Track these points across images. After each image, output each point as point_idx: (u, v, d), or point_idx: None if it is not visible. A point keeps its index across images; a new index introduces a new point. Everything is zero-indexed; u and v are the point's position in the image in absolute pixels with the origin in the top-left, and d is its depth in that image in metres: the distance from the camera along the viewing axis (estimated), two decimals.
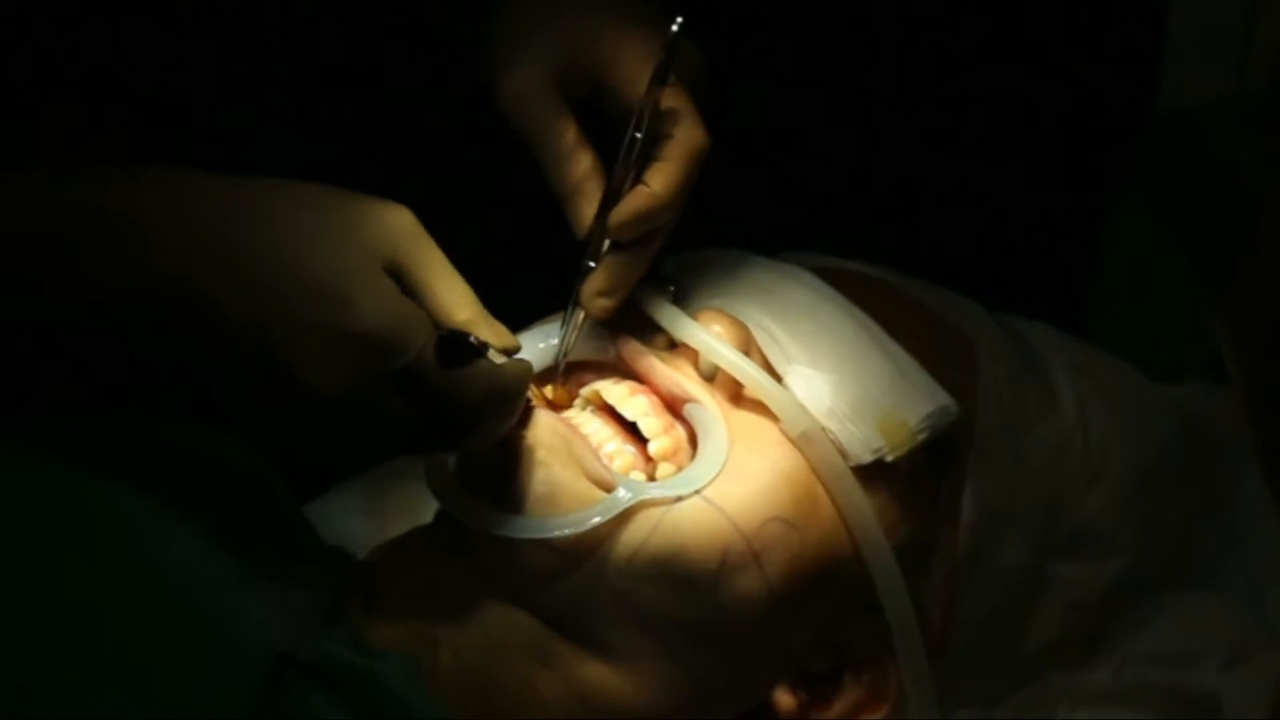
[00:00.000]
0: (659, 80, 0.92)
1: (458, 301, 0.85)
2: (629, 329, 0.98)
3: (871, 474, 0.95)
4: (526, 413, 0.93)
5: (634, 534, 0.90)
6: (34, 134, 1.02)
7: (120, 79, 1.05)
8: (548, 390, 0.98)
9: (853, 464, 0.94)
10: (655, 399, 0.96)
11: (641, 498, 0.91)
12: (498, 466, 0.92)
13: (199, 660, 0.87)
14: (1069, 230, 1.34)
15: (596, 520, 0.90)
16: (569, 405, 0.98)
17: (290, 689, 0.89)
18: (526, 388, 0.90)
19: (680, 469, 0.94)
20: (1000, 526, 1.00)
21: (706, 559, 0.90)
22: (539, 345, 0.97)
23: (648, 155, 0.93)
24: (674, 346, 0.99)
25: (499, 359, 0.87)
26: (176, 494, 0.91)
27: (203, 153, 0.90)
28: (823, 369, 0.96)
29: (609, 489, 0.91)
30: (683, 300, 1.00)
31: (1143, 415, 1.08)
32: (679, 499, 0.91)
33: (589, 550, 0.90)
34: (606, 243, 0.95)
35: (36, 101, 1.03)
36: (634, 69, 0.94)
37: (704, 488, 0.91)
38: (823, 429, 0.94)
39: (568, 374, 0.98)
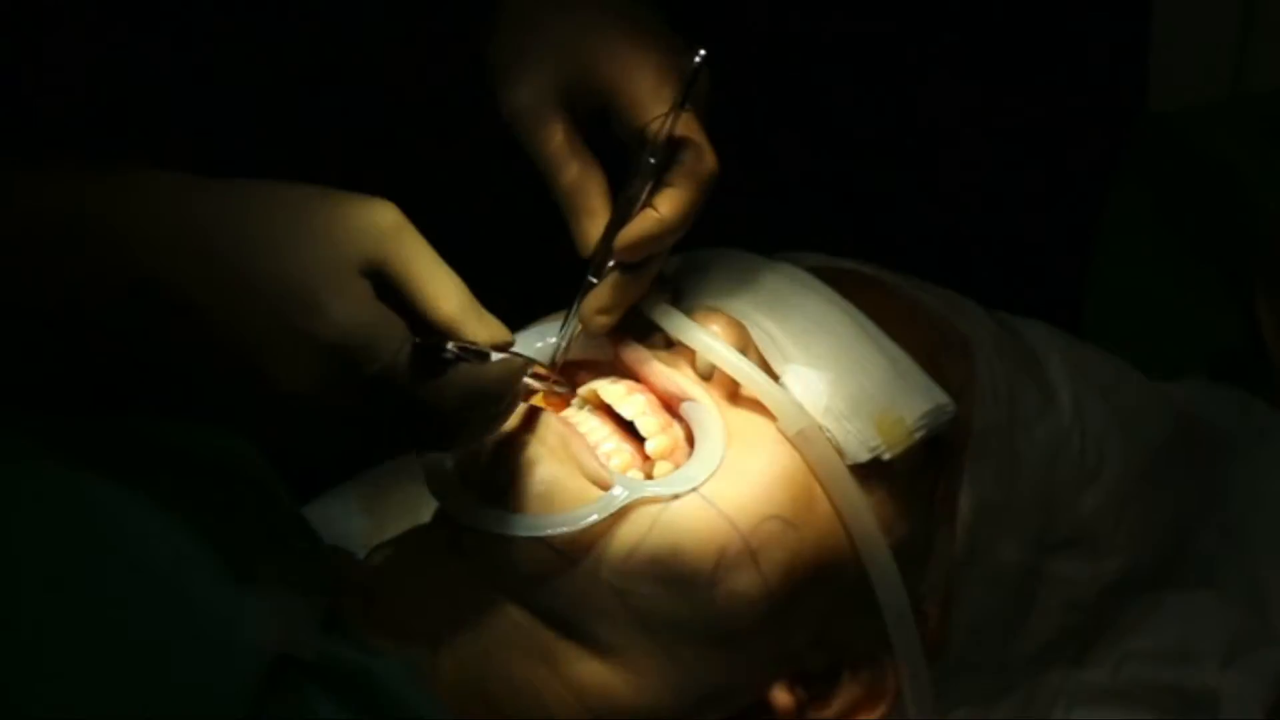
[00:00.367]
0: (676, 108, 0.93)
1: (445, 295, 0.84)
2: (627, 328, 0.98)
3: (869, 473, 0.95)
4: (525, 412, 0.93)
5: (631, 532, 0.90)
6: (17, 134, 1.02)
7: (104, 80, 1.05)
8: (544, 390, 0.98)
9: (850, 462, 0.94)
10: (653, 398, 0.96)
11: (638, 496, 0.91)
12: (495, 465, 0.92)
13: (197, 660, 0.87)
14: (1066, 229, 1.34)
15: (593, 518, 0.90)
16: (566, 404, 0.98)
17: (289, 689, 0.89)
18: (513, 386, 0.89)
19: (678, 467, 0.94)
20: (997, 524, 1.00)
21: (703, 557, 0.90)
22: (536, 344, 0.97)
23: (658, 179, 0.93)
24: (671, 345, 0.99)
25: (493, 355, 0.86)
26: (175, 494, 0.91)
27: (198, 155, 0.90)
28: (820, 368, 0.96)
29: (606, 487, 0.91)
30: (680, 299, 1.00)
31: (1140, 413, 1.08)
32: (676, 497, 0.91)
33: (586, 548, 0.91)
34: (610, 261, 0.95)
35: (19, 101, 1.03)
36: (644, 91, 0.94)
37: (701, 486, 0.91)
38: (820, 428, 0.94)
39: (565, 373, 0.98)
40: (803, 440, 0.94)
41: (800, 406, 0.94)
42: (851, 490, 0.94)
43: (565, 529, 0.90)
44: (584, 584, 0.91)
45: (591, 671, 0.92)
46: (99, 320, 0.86)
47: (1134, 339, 1.23)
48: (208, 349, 0.84)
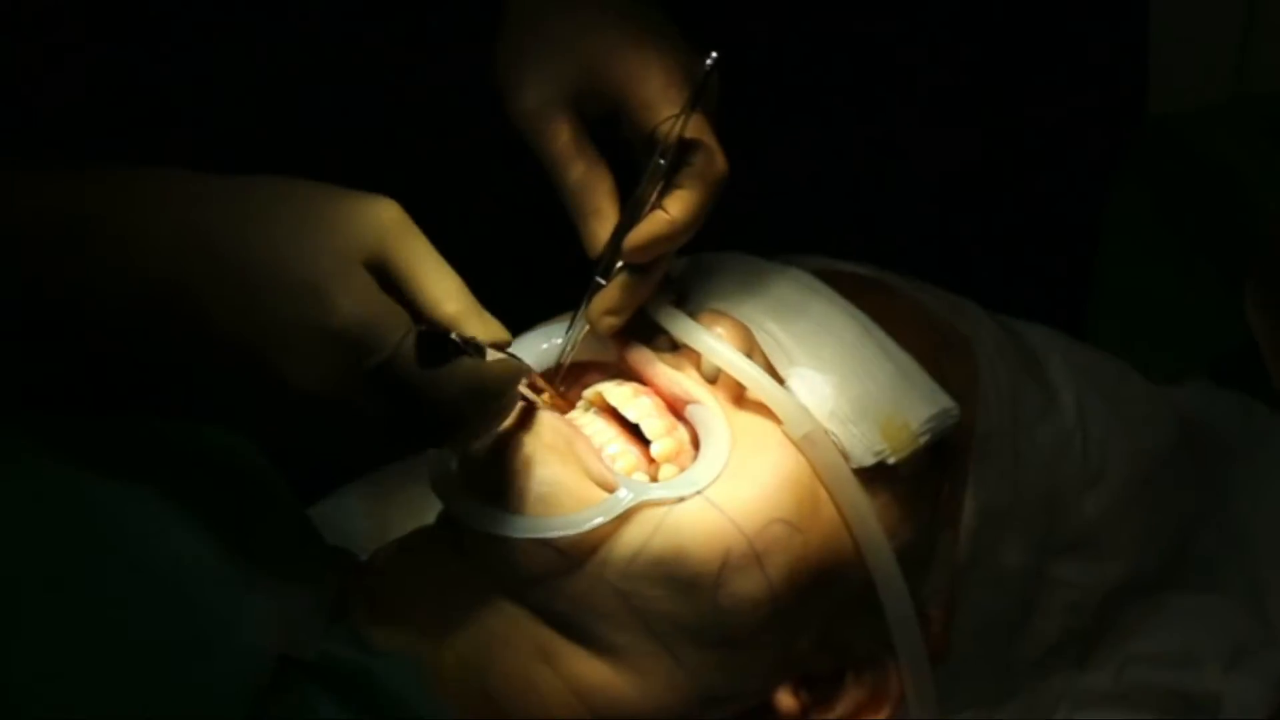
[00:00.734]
0: (688, 110, 0.93)
1: (445, 294, 0.84)
2: (632, 331, 0.98)
3: (873, 476, 0.95)
4: (529, 413, 0.93)
5: (635, 534, 0.90)
6: (17, 134, 1.02)
7: (104, 80, 1.05)
8: (548, 393, 0.98)
9: (855, 466, 0.94)
10: (658, 400, 0.96)
11: (643, 498, 0.91)
12: (499, 466, 0.92)
13: (200, 661, 0.87)
14: (1067, 230, 1.34)
15: (598, 520, 0.90)
16: (571, 406, 0.98)
17: (292, 689, 0.89)
18: (513, 385, 0.89)
19: (682, 470, 0.93)
20: (1001, 528, 1.00)
21: (708, 560, 0.90)
22: (542, 346, 0.97)
23: (667, 181, 0.93)
24: (677, 348, 0.99)
25: (491, 355, 0.86)
26: (177, 493, 0.91)
27: (198, 155, 0.90)
28: (825, 371, 0.96)
29: (611, 489, 0.91)
30: (685, 302, 1.00)
31: (1142, 416, 1.08)
32: (681, 500, 0.91)
33: (590, 550, 0.90)
34: (618, 262, 0.95)
35: (19, 101, 1.03)
36: (653, 93, 0.94)
37: (706, 488, 0.91)
38: (825, 431, 0.94)
39: (570, 375, 0.98)
40: (808, 444, 0.94)
41: (805, 410, 0.94)
42: (856, 494, 0.94)
43: (569, 531, 0.90)
44: (588, 586, 0.91)
45: (594, 672, 0.92)
46: (100, 320, 0.85)
47: (1135, 341, 1.23)
48: (213, 346, 0.84)
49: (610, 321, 0.95)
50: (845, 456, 0.94)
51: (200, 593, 0.89)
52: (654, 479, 0.94)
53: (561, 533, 0.90)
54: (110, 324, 0.86)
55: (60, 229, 0.84)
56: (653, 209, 0.93)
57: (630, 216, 0.94)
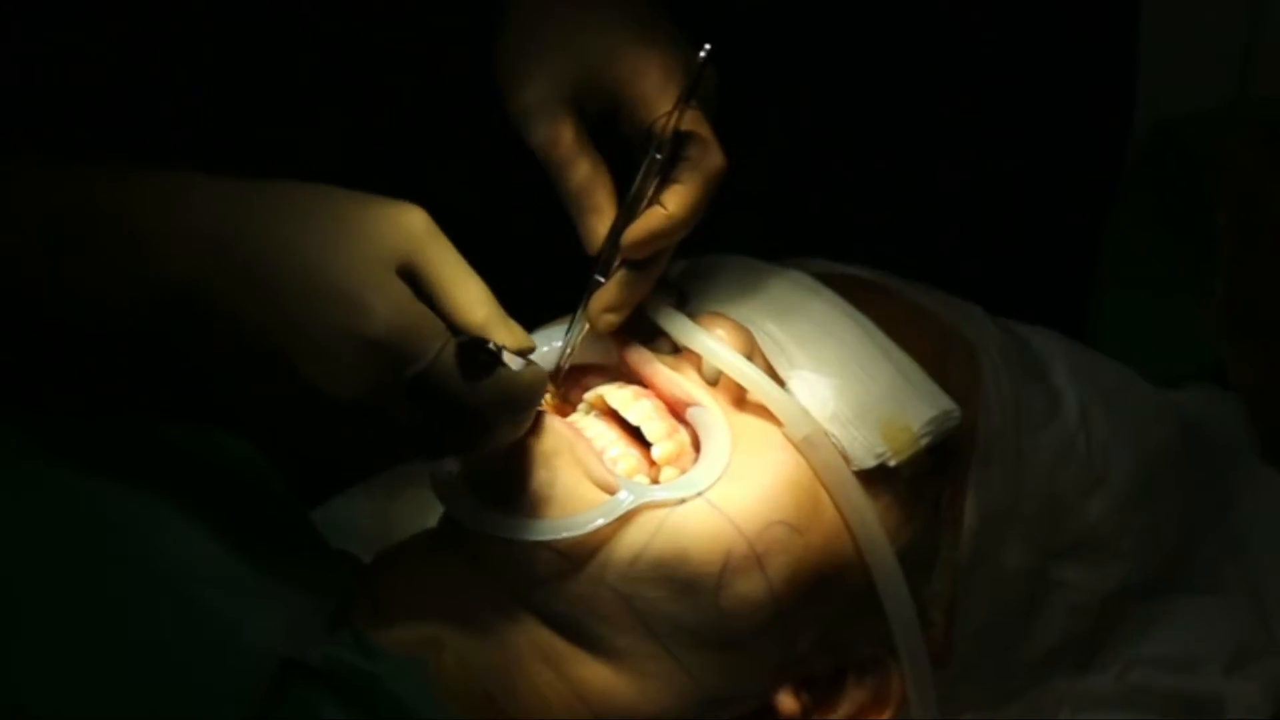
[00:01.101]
0: (683, 104, 0.93)
1: (473, 301, 0.85)
2: (633, 333, 0.98)
3: (874, 478, 0.95)
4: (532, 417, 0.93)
5: (636, 536, 0.90)
6: (35, 135, 1.02)
7: (104, 80, 1.05)
8: (550, 394, 0.98)
9: (856, 468, 0.94)
10: (659, 403, 0.96)
11: (644, 500, 0.91)
12: (501, 469, 0.92)
13: (204, 664, 0.87)
14: (1070, 235, 1.34)
15: (599, 522, 0.90)
16: (573, 409, 0.98)
17: (295, 692, 0.89)
18: (541, 395, 0.90)
19: (683, 472, 0.94)
20: (1002, 530, 1.00)
21: (709, 562, 0.90)
22: (542, 349, 0.97)
23: (664, 176, 0.93)
24: (677, 351, 0.99)
25: (515, 362, 0.86)
26: (181, 497, 0.91)
27: (198, 154, 0.90)
28: (826, 373, 0.96)
29: (611, 491, 0.91)
30: (686, 305, 1.00)
31: (1144, 420, 1.08)
32: (682, 502, 0.91)
33: (591, 552, 0.91)
34: (617, 259, 0.95)
35: (37, 103, 1.03)
36: (651, 89, 0.94)
37: (707, 490, 0.91)
38: (826, 433, 0.94)
39: (571, 378, 0.98)
40: (808, 446, 0.94)
41: (806, 412, 0.94)
42: (857, 496, 0.94)
43: (570, 533, 0.90)
44: (589, 588, 0.91)
45: (596, 674, 0.92)
46: (120, 322, 0.85)
47: (1138, 345, 1.23)
48: (231, 351, 0.84)
49: (609, 319, 0.95)
50: (846, 458, 0.94)
51: (203, 595, 0.89)
52: (655, 481, 0.94)
53: (562, 535, 0.90)
54: (124, 325, 0.86)
55: (78, 229, 0.84)
56: (650, 204, 0.93)
57: (628, 212, 0.94)
